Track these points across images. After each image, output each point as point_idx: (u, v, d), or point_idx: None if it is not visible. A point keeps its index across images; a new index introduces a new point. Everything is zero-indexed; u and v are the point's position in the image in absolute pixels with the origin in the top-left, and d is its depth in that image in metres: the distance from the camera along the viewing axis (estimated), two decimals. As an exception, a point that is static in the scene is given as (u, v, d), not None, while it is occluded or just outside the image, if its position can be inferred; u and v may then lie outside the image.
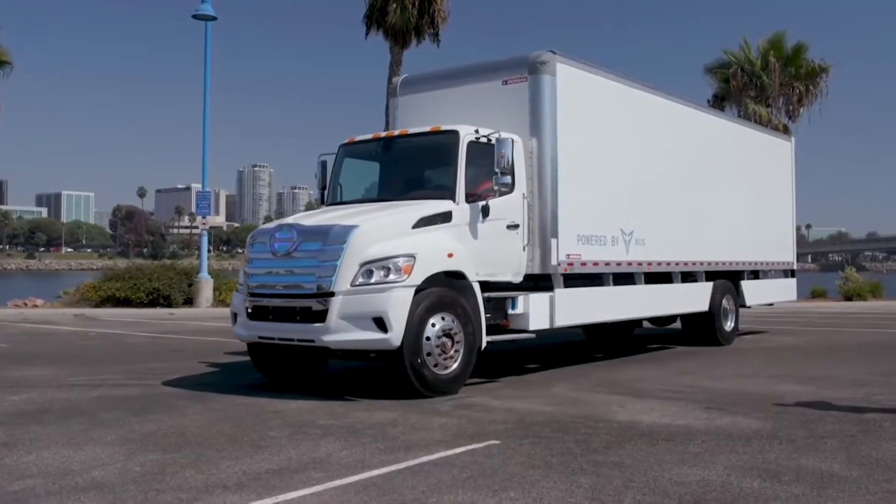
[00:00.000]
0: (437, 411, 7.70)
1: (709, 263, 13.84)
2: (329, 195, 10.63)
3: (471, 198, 9.45)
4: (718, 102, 32.59)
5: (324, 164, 10.90)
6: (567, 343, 14.64)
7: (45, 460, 5.83)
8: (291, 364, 9.63)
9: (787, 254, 17.06)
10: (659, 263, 12.46)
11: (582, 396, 8.60)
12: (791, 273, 17.35)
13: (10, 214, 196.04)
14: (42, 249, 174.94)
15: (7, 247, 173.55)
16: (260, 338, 9.07)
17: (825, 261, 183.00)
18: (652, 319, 14.20)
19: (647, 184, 12.28)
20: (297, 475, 5.40)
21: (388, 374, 8.86)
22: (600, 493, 4.97)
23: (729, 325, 14.63)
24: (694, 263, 13.43)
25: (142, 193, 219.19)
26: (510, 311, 9.81)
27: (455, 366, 8.81)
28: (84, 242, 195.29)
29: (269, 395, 8.58)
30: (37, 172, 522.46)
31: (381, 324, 8.27)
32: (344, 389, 9.16)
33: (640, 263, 11.97)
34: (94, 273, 28.54)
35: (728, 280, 14.69)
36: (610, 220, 11.40)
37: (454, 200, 9.31)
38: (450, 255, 8.92)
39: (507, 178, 9.31)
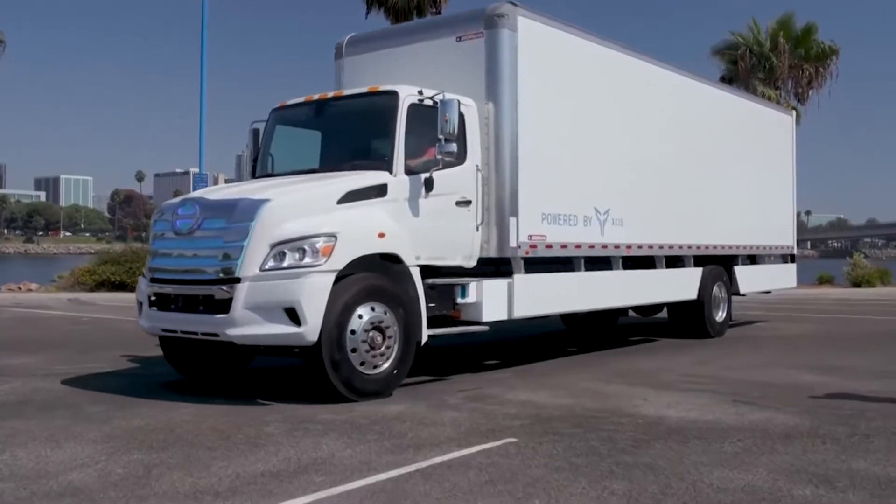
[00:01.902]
0: (446, 404, 7.21)
1: (698, 247, 12.50)
2: (259, 167, 9.31)
3: (412, 169, 8.13)
4: (726, 85, 31.26)
5: (255, 133, 9.57)
6: (543, 334, 13.34)
7: (20, 460, 5.35)
8: (209, 359, 8.36)
9: (786, 237, 15.69)
10: (640, 246, 11.13)
11: (599, 388, 8.12)
12: (791, 258, 15.98)
13: (9, 198, 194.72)
14: (40, 233, 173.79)
15: (5, 231, 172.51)
16: (163, 330, 7.79)
17: (824, 247, 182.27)
18: (636, 308, 12.85)
19: (626, 158, 10.93)
20: (297, 479, 4.93)
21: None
22: (636, 503, 4.49)
23: (720, 315, 13.29)
24: (681, 247, 12.09)
25: (140, 177, 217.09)
26: (459, 300, 8.50)
27: (387, 364, 7.52)
28: (82, 226, 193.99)
29: (265, 386, 8.10)
30: (35, 156, 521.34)
31: (293, 315, 6.98)
32: (268, 389, 7.91)
33: (616, 246, 10.64)
34: (92, 257, 28.09)
35: (720, 266, 13.35)
36: (582, 198, 10.06)
37: (391, 172, 7.98)
38: (381, 236, 7.61)
39: (453, 147, 7.97)
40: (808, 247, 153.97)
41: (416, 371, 8.19)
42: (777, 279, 15.54)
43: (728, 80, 32.32)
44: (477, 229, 8.70)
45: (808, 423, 6.42)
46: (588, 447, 5.65)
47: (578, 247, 9.96)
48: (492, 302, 8.69)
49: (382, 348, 7.49)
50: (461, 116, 8.56)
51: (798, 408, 7.03)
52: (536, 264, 9.48)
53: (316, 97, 8.94)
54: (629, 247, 10.88)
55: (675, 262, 12.16)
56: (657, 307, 13.22)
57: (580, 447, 5.65)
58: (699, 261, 12.72)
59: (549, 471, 5.07)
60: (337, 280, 7.22)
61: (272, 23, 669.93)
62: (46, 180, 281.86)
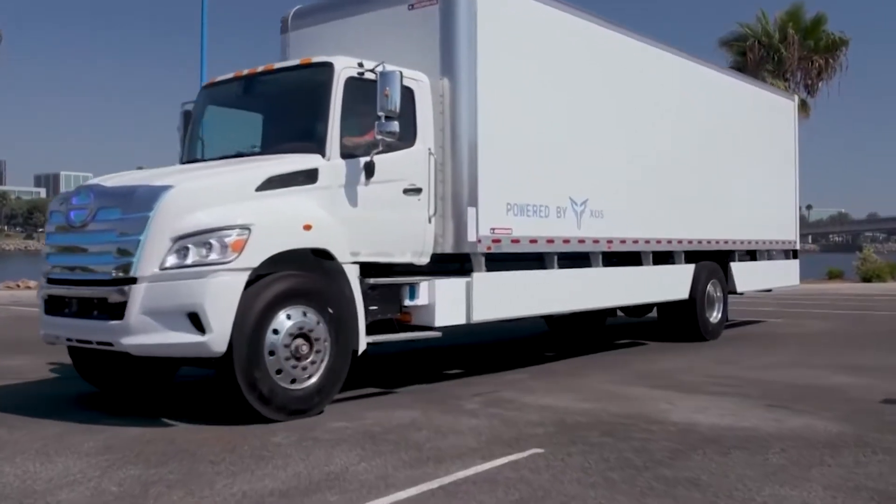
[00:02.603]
0: (463, 410, 6.82)
1: (689, 242, 11.40)
2: (187, 151, 8.25)
3: (350, 152, 7.06)
4: (722, 66, 30.47)
5: (186, 115, 8.51)
6: (526, 337, 12.27)
7: (5, 477, 4.90)
8: (125, 369, 7.32)
9: (788, 231, 14.56)
10: (623, 241, 10.03)
11: (620, 390, 7.74)
12: (793, 254, 14.87)
13: (9, 195, 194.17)
14: (41, 230, 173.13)
15: (5, 227, 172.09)
16: (57, 337, 6.75)
17: (825, 241, 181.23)
18: (623, 309, 11.74)
19: (607, 143, 9.83)
20: (309, 498, 4.50)
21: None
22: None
23: (715, 316, 12.20)
24: (670, 241, 10.99)
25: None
26: (407, 303, 7.44)
27: (314, 378, 6.47)
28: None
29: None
30: (35, 153, 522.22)
31: (196, 321, 5.93)
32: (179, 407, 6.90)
33: (596, 241, 9.55)
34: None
35: (715, 262, 12.25)
36: (555, 187, 8.97)
37: (323, 155, 6.91)
38: (307, 228, 6.53)
39: (394, 126, 6.89)
40: (810, 241, 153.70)
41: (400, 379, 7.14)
42: (778, 276, 14.41)
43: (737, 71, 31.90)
44: (429, 221, 7.63)
45: (852, 431, 6.02)
46: (622, 459, 5.27)
47: (551, 241, 8.87)
48: (446, 304, 7.63)
49: (309, 359, 6.43)
50: (410, 93, 7.55)
51: (836, 412, 6.67)
52: (502, 261, 8.42)
53: (245, 72, 7.85)
54: (610, 241, 9.79)
55: (664, 258, 11.08)
56: (647, 307, 12.13)
57: (613, 459, 5.27)
58: (691, 257, 11.63)
59: (583, 487, 4.69)
60: (254, 280, 6.18)
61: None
62: (46, 177, 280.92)
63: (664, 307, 11.67)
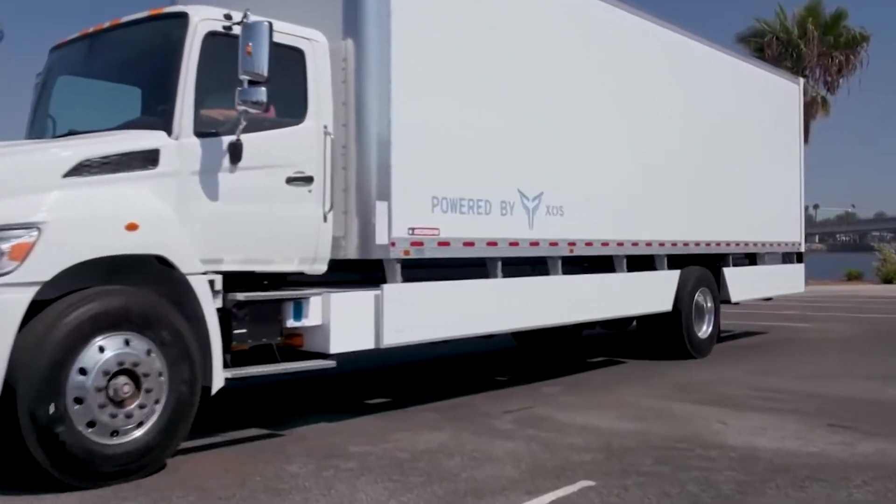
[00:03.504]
0: (497, 431, 6.24)
1: (673, 244, 9.72)
2: (29, 132, 6.63)
3: (209, 128, 5.44)
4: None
5: (41, 87, 6.89)
6: (490, 352, 10.62)
7: None
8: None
9: (791, 232, 12.84)
10: (588, 244, 8.36)
11: (663, 407, 7.18)
12: (797, 257, 13.14)
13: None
14: None
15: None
16: None
17: (832, 241, 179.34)
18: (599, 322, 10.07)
19: (571, 125, 8.17)
20: None
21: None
22: None
23: (704, 330, 10.51)
24: (649, 244, 9.31)
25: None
26: (291, 323, 5.81)
27: (146, 427, 4.85)
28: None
29: (283, 405, 7.04)
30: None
31: (-44, 357, 4.31)
32: None
33: (553, 243, 7.89)
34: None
35: (705, 267, 10.56)
36: (500, 177, 7.32)
37: (170, 131, 5.28)
38: (132, 228, 4.88)
39: (259, 94, 5.23)
40: (817, 240, 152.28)
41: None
42: (780, 283, 12.67)
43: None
44: (325, 219, 6.00)
45: (937, 457, 5.41)
46: (686, 494, 4.72)
47: (493, 244, 7.22)
48: (346, 324, 6.00)
49: (136, 403, 4.80)
50: (299, 55, 6.00)
51: (908, 434, 6.07)
52: (423, 268, 6.79)
53: (91, 29, 6.21)
54: (572, 244, 8.12)
55: (643, 263, 9.41)
56: (627, 319, 10.45)
57: (676, 494, 4.72)
58: (676, 261, 9.96)
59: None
60: (53, 299, 4.56)
61: None
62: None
63: (645, 320, 9.98)
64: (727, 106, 10.94)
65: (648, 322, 9.97)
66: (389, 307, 6.23)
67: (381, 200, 6.22)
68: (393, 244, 6.31)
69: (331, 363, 5.92)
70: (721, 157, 10.74)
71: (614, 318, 9.30)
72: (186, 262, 5.10)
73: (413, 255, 6.48)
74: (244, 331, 5.51)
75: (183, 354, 5.00)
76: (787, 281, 12.87)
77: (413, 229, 6.47)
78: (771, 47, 29.40)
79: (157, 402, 4.91)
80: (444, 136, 6.76)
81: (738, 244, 11.12)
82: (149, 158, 5.14)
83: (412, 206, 6.47)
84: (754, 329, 13.53)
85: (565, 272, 8.16)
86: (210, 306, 5.18)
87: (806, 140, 30.32)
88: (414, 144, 6.47)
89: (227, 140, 5.43)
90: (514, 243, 7.43)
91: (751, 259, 11.94)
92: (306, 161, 5.88)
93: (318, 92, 6.01)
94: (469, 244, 6.97)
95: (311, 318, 5.87)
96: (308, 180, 5.88)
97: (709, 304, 10.61)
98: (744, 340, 12.34)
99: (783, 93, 12.84)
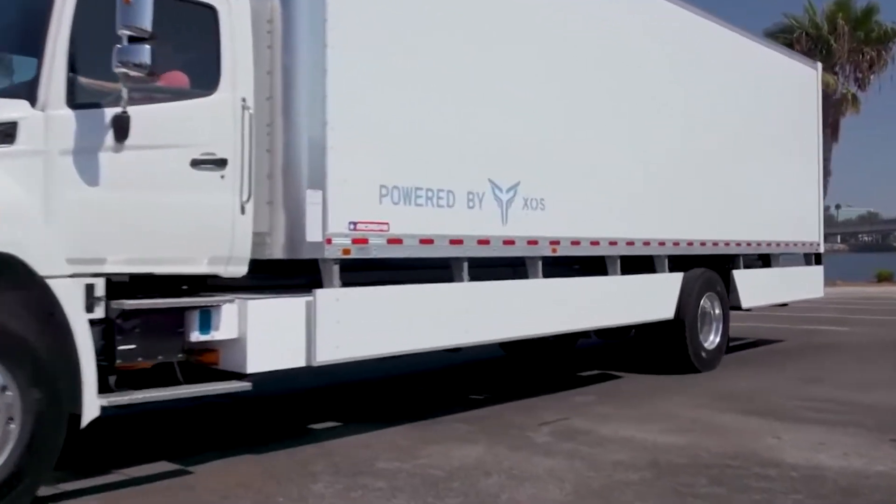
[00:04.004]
0: (534, 445, 5.85)
1: (675, 243, 8.62)
2: None
3: (87, 99, 4.43)
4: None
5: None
6: (469, 363, 9.56)
7: None
8: None
9: (809, 231, 11.69)
10: (575, 242, 7.29)
11: (710, 418, 6.77)
12: (816, 259, 11.99)
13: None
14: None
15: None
16: None
17: (855, 241, 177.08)
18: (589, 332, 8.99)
19: (553, 104, 7.11)
20: None
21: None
22: None
23: (711, 340, 9.41)
24: (647, 243, 8.22)
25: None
26: (197, 336, 4.78)
27: (-19, 475, 3.84)
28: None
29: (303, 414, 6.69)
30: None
31: None
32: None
33: (532, 241, 6.83)
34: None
35: (712, 269, 9.46)
36: (466, 163, 6.26)
37: (33, 101, 4.27)
38: (-37, 219, 3.89)
39: (142, 54, 4.21)
40: (839, 241, 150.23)
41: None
42: (797, 287, 11.51)
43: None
44: (242, 210, 4.97)
45: None
46: None
47: (457, 242, 6.16)
48: (267, 338, 4.97)
49: (-29, 441, 3.80)
50: (211, 14, 4.96)
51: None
52: (370, 270, 5.76)
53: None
54: (555, 242, 7.06)
55: (640, 265, 8.33)
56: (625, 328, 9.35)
57: None
58: (679, 263, 8.88)
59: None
60: None
61: None
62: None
63: (644, 328, 8.88)
64: (735, 91, 9.81)
65: (648, 331, 8.87)
66: (324, 317, 5.19)
67: (314, 189, 5.19)
68: (329, 241, 5.27)
69: (244, 386, 4.87)
70: (729, 148, 9.63)
71: (604, 327, 8.20)
72: (47, 262, 4.08)
73: (355, 255, 5.44)
74: (132, 346, 4.49)
75: (40, 378, 3.99)
76: (805, 285, 11.72)
77: (355, 224, 5.44)
78: (800, 43, 28.64)
79: (5, 445, 3.90)
80: (395, 112, 5.71)
81: (749, 244, 10.00)
82: (5, 133, 4.13)
83: (354, 196, 5.43)
84: (777, 333, 12.52)
85: (551, 275, 7.11)
86: (79, 316, 4.16)
87: (835, 137, 29.50)
88: (356, 122, 5.44)
89: (109, 112, 4.42)
90: (483, 241, 6.37)
91: (764, 261, 10.84)
92: (218, 140, 4.86)
93: (235, 58, 4.99)
94: (427, 242, 5.92)
95: (224, 330, 4.84)
96: (220, 163, 4.86)
97: (716, 311, 9.51)
98: (779, 345, 11.69)
99: (800, 78, 11.69)
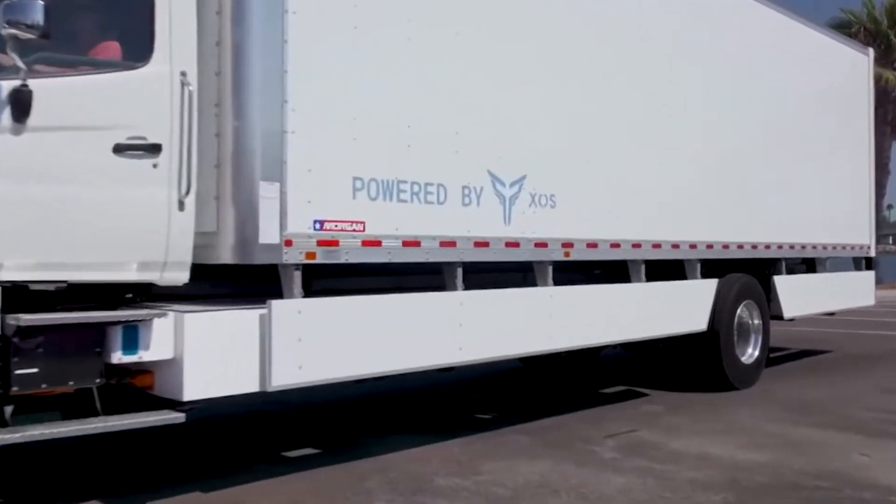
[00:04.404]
0: (601, 461, 5.41)
1: (708, 245, 7.65)
2: None
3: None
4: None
5: None
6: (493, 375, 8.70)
7: None
8: None
9: (859, 232, 10.61)
10: (592, 245, 6.37)
11: (785, 432, 6.28)
12: (866, 263, 10.90)
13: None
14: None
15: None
16: None
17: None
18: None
19: (568, 87, 6.21)
20: None
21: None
22: None
23: (750, 354, 8.42)
24: (675, 245, 7.27)
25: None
26: (119, 358, 3.97)
27: None
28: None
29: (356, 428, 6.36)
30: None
31: None
32: None
33: (541, 244, 5.93)
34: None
35: (749, 275, 8.47)
36: (461, 152, 5.38)
37: None
38: None
39: (34, 13, 3.45)
40: (890, 242, 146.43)
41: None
42: (845, 294, 10.42)
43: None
44: (180, 206, 4.17)
45: None
46: None
47: (449, 244, 5.29)
48: (210, 359, 4.15)
49: None
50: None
51: None
52: (341, 276, 4.93)
53: None
54: (568, 244, 6.15)
55: (669, 270, 7.39)
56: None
57: None
58: (713, 268, 7.93)
59: None
60: None
61: None
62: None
63: (673, 340, 7.92)
64: (778, 76, 8.80)
65: (678, 344, 7.91)
66: (282, 332, 4.36)
67: (269, 181, 4.36)
68: (288, 243, 4.44)
69: (176, 418, 4.06)
70: (770, 140, 8.63)
71: (624, 342, 7.27)
72: None
73: (322, 260, 4.60)
74: (34, 370, 3.70)
75: None
76: (854, 291, 10.64)
77: (322, 223, 4.60)
78: (858, 38, 27.42)
79: None
80: (373, 90, 4.86)
81: (792, 246, 8.98)
82: None
83: (321, 189, 4.59)
84: (830, 340, 11.50)
85: (566, 282, 6.23)
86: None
87: (896, 135, 28.12)
88: (324, 102, 4.60)
89: (5, 86, 3.64)
90: (481, 243, 5.49)
91: (808, 265, 9.81)
92: (149, 122, 4.07)
93: (173, 24, 4.19)
94: (412, 244, 5.06)
95: (155, 349, 4.04)
96: (151, 150, 4.06)
97: (755, 322, 8.51)
98: (835, 354, 10.87)
99: (849, 64, 10.62)
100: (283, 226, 4.40)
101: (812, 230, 9.34)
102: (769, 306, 8.79)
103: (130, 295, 4.29)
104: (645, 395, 7.90)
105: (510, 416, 6.76)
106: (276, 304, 4.36)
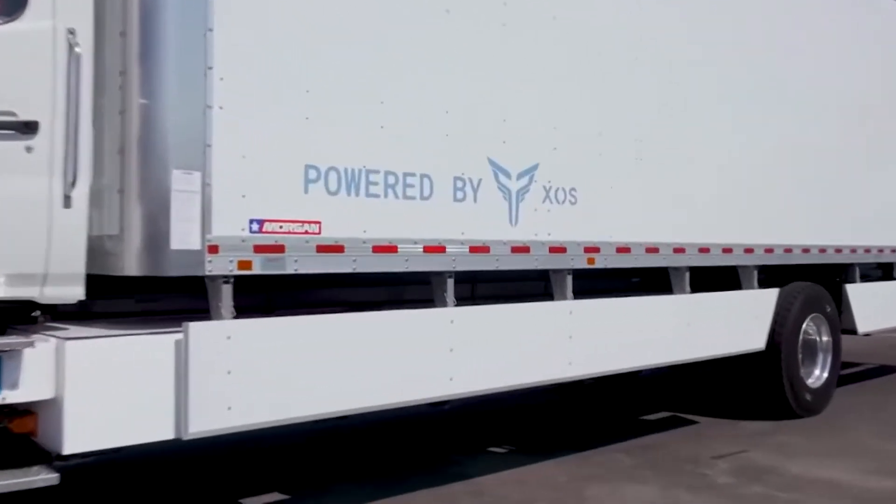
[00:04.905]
0: (715, 487, 4.96)
1: (767, 250, 6.45)
2: None
3: None
4: None
5: None
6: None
7: None
8: None
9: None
10: (623, 249, 5.26)
11: None
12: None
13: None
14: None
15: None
16: None
17: None
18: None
19: (592, 55, 5.13)
20: None
21: None
22: None
23: (817, 376, 7.20)
24: (727, 249, 6.09)
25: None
26: (-29, 401, 3.06)
27: None
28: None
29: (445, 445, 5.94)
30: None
31: None
32: None
33: (558, 249, 4.85)
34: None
35: (817, 283, 7.24)
36: (453, 136, 4.34)
37: None
38: None
39: None
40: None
41: None
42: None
43: None
44: (66, 203, 3.23)
45: None
46: None
47: (436, 250, 4.25)
48: (102, 399, 3.20)
49: None
50: None
51: None
52: (291, 291, 3.95)
53: None
54: (593, 249, 5.06)
55: (718, 278, 6.24)
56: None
57: None
58: (773, 275, 6.75)
59: None
60: None
61: None
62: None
63: (725, 360, 6.74)
64: (853, 51, 7.54)
65: (730, 364, 6.73)
66: (203, 363, 3.39)
67: (187, 170, 3.39)
68: (213, 250, 3.46)
69: (48, 479, 3.10)
70: (844, 129, 7.37)
71: (665, 365, 6.11)
72: None
73: (260, 270, 3.60)
74: None
75: None
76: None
77: (261, 223, 3.61)
78: None
79: None
80: (331, 53, 3.86)
81: (867, 250, 7.68)
82: None
83: (260, 180, 3.60)
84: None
85: (592, 292, 5.16)
86: None
87: None
88: (263, 68, 3.61)
89: None
90: (479, 248, 4.44)
91: (885, 271, 8.50)
92: (21, 93, 3.14)
93: (57, -32, 3.25)
94: (385, 250, 4.04)
95: (27, 387, 3.10)
96: (24, 129, 3.13)
97: (823, 338, 7.28)
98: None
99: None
100: (205, 227, 3.43)
101: (890, 231, 8.03)
102: (840, 319, 7.54)
103: (38, 312, 3.39)
104: (694, 422, 6.78)
105: (611, 433, 6.22)
106: (195, 326, 3.39)
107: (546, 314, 4.84)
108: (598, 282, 5.92)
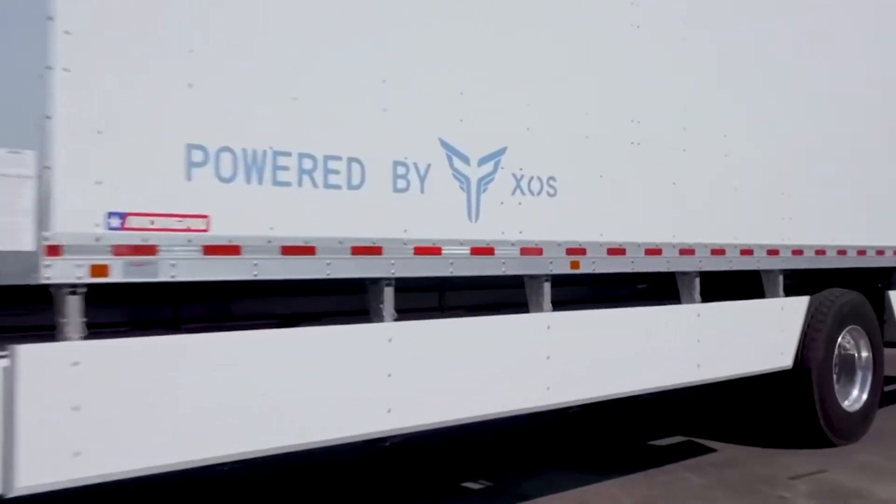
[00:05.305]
0: None
1: (795, 251, 5.54)
2: None
3: None
4: None
5: None
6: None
7: None
8: None
9: None
10: (616, 250, 4.40)
11: None
12: None
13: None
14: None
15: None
16: None
17: None
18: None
19: (574, 16, 4.29)
20: None
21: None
22: None
23: (854, 397, 6.25)
24: (747, 251, 5.18)
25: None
26: None
27: None
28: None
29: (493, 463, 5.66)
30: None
31: None
32: None
33: (531, 250, 4.01)
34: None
35: (854, 290, 6.30)
36: (392, 109, 3.53)
37: None
38: None
39: None
40: None
41: None
42: None
43: None
44: None
45: None
46: None
47: (369, 251, 3.45)
48: None
49: None
50: None
51: None
52: (209, 301, 3.19)
53: None
54: (578, 251, 4.21)
55: (736, 284, 5.35)
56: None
57: None
58: (802, 281, 5.83)
59: None
60: None
61: None
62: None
63: (743, 382, 5.83)
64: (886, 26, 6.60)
65: (752, 384, 5.82)
66: (36, 397, 2.62)
67: (14, 149, 2.63)
68: (54, 251, 2.69)
69: None
70: (882, 112, 6.43)
71: (669, 388, 5.21)
72: None
73: (120, 277, 2.81)
74: None
75: None
76: None
77: (124, 217, 2.82)
78: None
79: None
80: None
81: (914, 252, 6.73)
82: None
83: (123, 163, 2.82)
84: None
85: (585, 301, 4.33)
86: None
87: None
88: (126, 20, 2.84)
89: None
90: (426, 249, 3.62)
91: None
92: None
93: None
94: (298, 250, 3.23)
95: None
96: None
97: (863, 354, 6.33)
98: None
99: None
100: (41, 222, 2.66)
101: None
102: (882, 331, 6.59)
103: None
104: (712, 450, 5.90)
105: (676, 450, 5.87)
106: (25, 350, 2.61)
107: (517, 330, 4.00)
108: (600, 289, 5.11)
